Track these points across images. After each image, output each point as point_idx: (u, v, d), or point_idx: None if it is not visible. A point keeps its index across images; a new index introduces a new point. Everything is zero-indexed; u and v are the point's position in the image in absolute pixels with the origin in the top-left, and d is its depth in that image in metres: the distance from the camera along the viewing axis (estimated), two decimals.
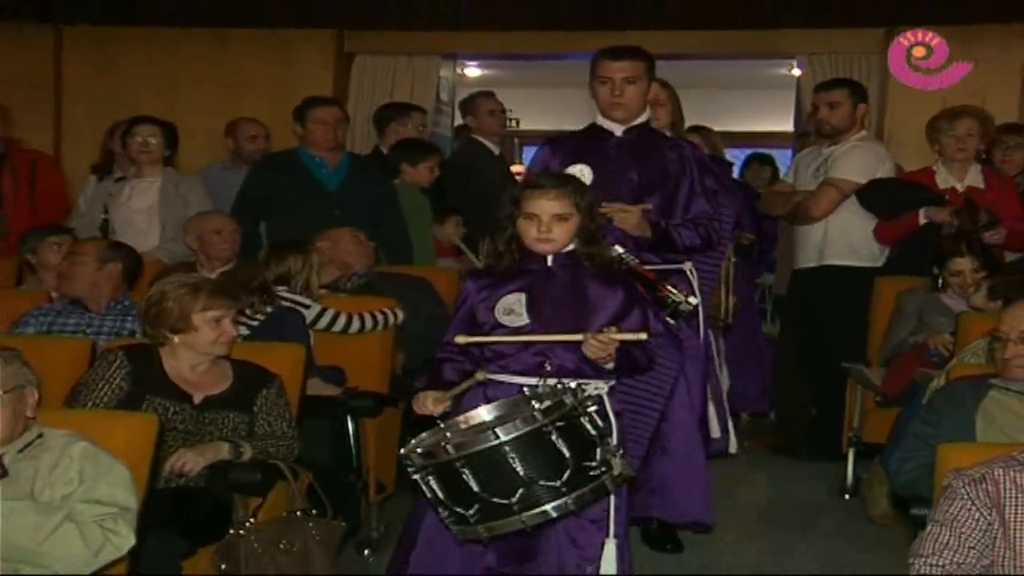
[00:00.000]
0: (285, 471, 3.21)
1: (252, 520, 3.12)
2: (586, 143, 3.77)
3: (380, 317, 4.32)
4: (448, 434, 2.62)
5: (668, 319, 3.48)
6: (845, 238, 5.10)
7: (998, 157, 5.23)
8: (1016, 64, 6.65)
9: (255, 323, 4.02)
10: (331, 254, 4.62)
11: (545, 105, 9.99)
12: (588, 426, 2.54)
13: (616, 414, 2.87)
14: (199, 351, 3.27)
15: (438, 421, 2.74)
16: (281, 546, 3.05)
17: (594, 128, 3.83)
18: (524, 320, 2.87)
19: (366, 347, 4.28)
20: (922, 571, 2.47)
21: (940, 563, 2.46)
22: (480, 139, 6.22)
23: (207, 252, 4.63)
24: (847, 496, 4.80)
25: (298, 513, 3.17)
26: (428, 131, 6.66)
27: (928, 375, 3.91)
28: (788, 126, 8.39)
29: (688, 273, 3.80)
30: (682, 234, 3.70)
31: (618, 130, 3.77)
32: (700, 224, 3.73)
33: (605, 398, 2.85)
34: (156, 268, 4.66)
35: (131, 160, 5.41)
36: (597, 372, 2.85)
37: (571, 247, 2.93)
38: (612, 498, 2.76)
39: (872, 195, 5.02)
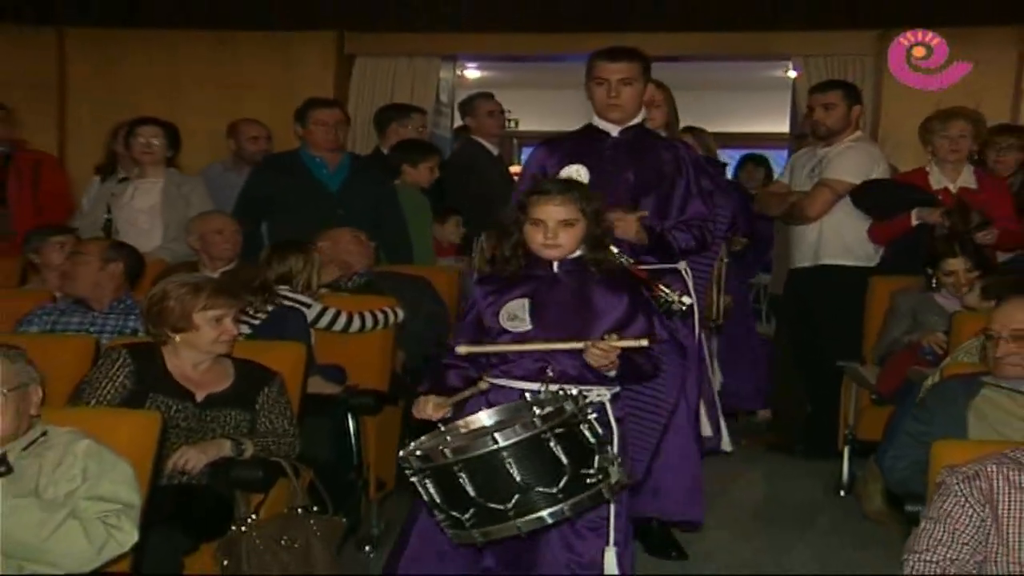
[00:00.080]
0: (286, 468, 3.22)
1: (254, 517, 3.13)
2: (582, 144, 3.78)
3: (380, 316, 4.34)
4: (448, 438, 2.62)
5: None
6: (840, 238, 5.12)
7: (992, 158, 5.24)
8: (1010, 66, 6.67)
9: (257, 322, 4.04)
10: (332, 254, 4.65)
11: (544, 106, 9.99)
12: (587, 433, 2.55)
13: (618, 421, 2.86)
14: (200, 350, 3.29)
15: (439, 425, 2.74)
16: (282, 542, 3.07)
17: (590, 129, 3.82)
18: (527, 325, 2.88)
19: (366, 346, 4.30)
20: (916, 567, 2.47)
21: (934, 559, 2.47)
22: (479, 140, 6.24)
23: (209, 252, 4.65)
24: (843, 493, 4.83)
25: (299, 510, 3.18)
26: (428, 132, 6.67)
27: (922, 373, 3.92)
28: (784, 127, 8.40)
29: (683, 272, 3.81)
30: (677, 237, 3.70)
31: (614, 131, 3.77)
32: (694, 226, 3.73)
33: (607, 405, 2.85)
34: (159, 268, 4.67)
35: (134, 161, 5.42)
36: (599, 379, 2.85)
37: (578, 253, 2.94)
38: (612, 505, 2.76)
39: (865, 196, 5.04)
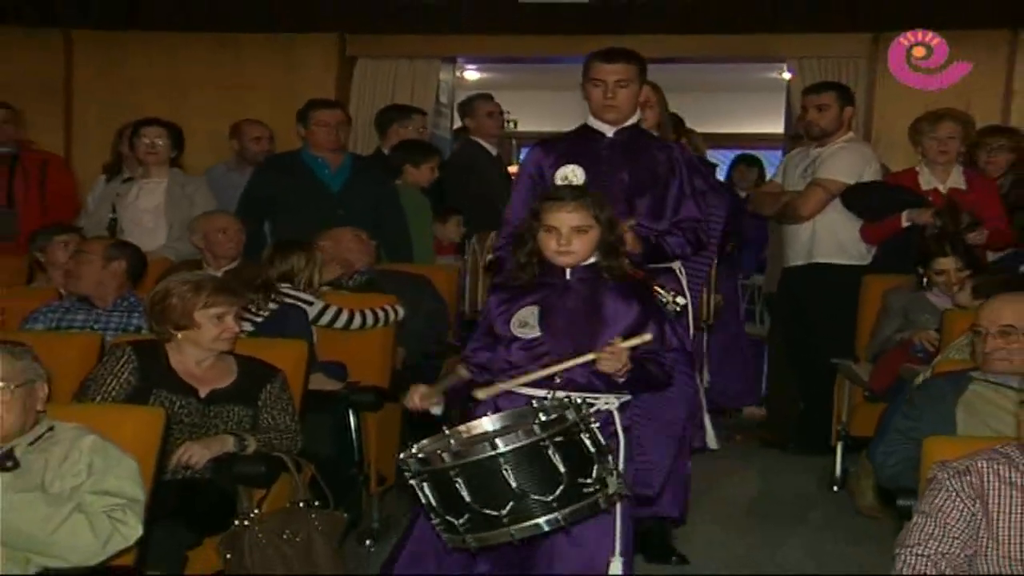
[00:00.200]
0: (288, 464, 3.24)
1: (256, 511, 3.14)
2: (578, 144, 3.78)
3: (381, 314, 4.38)
4: (450, 442, 2.62)
5: None
6: (833, 237, 5.15)
7: (982, 159, 5.27)
8: (1001, 67, 6.68)
9: (259, 319, 4.08)
10: (333, 252, 4.67)
11: (542, 107, 10.00)
12: (588, 443, 2.52)
13: (625, 429, 2.86)
14: (203, 347, 3.31)
15: (443, 428, 2.73)
16: (284, 536, 3.09)
17: (586, 129, 3.82)
18: (536, 332, 2.88)
19: (367, 343, 4.34)
20: (908, 560, 2.47)
21: (925, 552, 2.46)
22: (478, 140, 6.25)
23: (212, 250, 4.69)
24: (835, 488, 4.86)
25: (301, 504, 3.20)
26: (428, 133, 6.70)
27: (914, 371, 3.93)
28: (779, 128, 8.44)
29: (677, 272, 3.81)
30: (671, 243, 3.70)
31: (609, 131, 3.77)
32: (688, 229, 3.73)
33: (615, 414, 2.85)
34: (163, 266, 4.71)
35: (138, 161, 5.44)
36: (609, 386, 2.83)
37: (592, 260, 2.94)
38: (619, 516, 2.74)
39: (856, 198, 5.07)
